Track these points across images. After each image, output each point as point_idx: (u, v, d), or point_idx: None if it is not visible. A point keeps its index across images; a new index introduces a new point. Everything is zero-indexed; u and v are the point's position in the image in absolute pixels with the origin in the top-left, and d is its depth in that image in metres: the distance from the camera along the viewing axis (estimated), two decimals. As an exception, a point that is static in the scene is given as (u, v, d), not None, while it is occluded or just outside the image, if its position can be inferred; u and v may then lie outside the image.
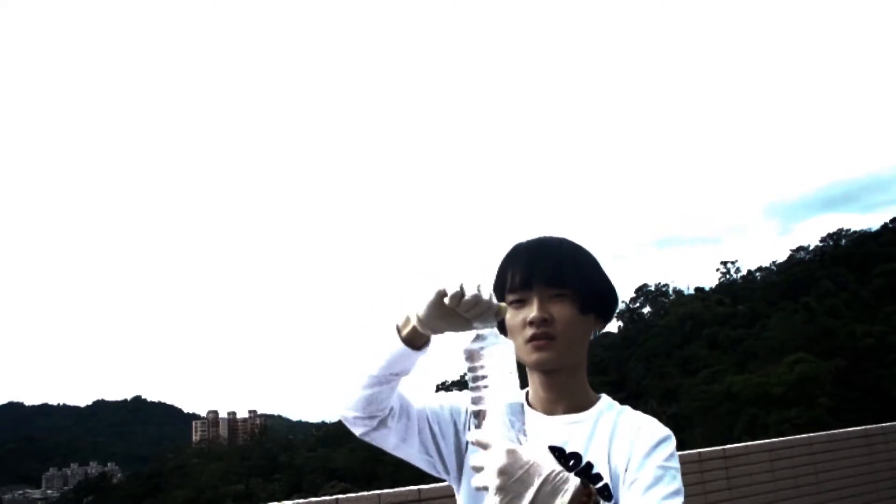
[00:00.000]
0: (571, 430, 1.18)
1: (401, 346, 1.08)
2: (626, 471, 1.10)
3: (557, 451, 1.16)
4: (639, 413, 1.20)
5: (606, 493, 1.10)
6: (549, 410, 1.21)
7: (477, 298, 0.98)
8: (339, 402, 1.16)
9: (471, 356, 0.97)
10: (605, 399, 1.24)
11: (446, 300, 0.99)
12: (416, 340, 1.08)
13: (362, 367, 1.11)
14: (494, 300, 1.00)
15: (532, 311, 1.14)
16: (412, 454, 1.23)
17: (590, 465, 1.13)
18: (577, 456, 1.15)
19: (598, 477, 1.12)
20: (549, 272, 1.15)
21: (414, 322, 1.05)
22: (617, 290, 1.26)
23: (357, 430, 1.18)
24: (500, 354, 0.96)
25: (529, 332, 1.14)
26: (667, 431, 1.15)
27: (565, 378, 1.19)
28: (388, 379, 1.11)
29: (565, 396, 1.20)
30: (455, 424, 1.24)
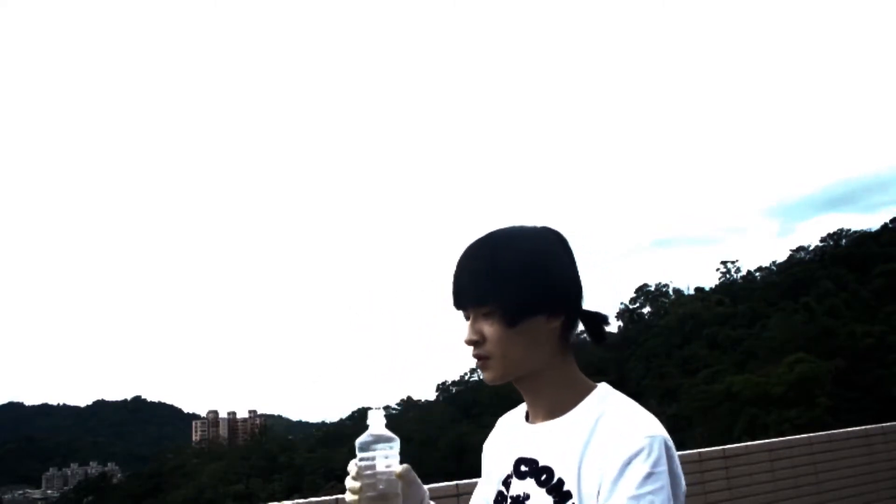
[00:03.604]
0: (543, 441, 1.10)
1: None
2: (598, 495, 0.98)
3: (532, 464, 1.10)
4: (620, 414, 1.05)
5: None
6: (532, 417, 1.17)
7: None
8: None
9: (362, 448, 1.12)
10: (593, 397, 1.10)
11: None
12: None
13: None
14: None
15: (466, 333, 1.13)
16: None
17: (561, 482, 1.03)
18: (548, 470, 1.06)
19: (568, 495, 1.01)
20: (471, 292, 1.11)
21: None
22: (565, 278, 1.12)
23: None
24: (383, 453, 1.12)
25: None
26: (641, 442, 0.97)
27: (530, 384, 1.14)
28: None
29: (540, 401, 1.14)
30: None
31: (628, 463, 0.96)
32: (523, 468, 1.12)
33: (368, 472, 1.10)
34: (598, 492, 0.98)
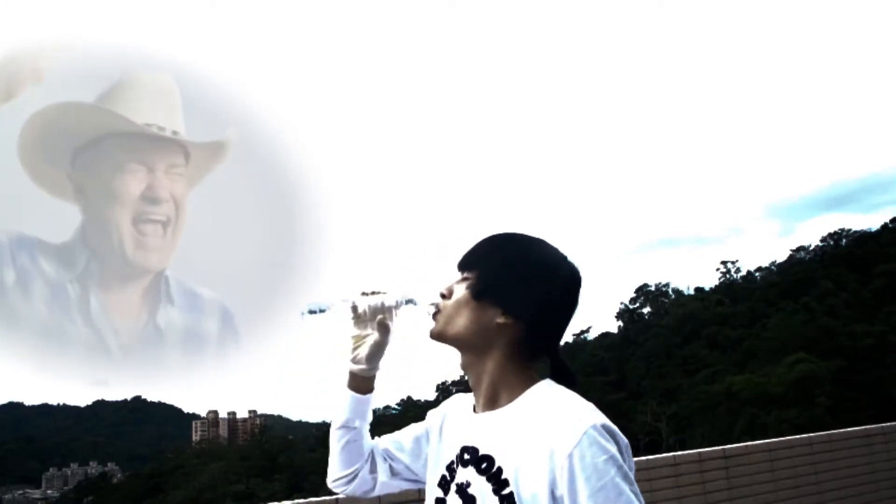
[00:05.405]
0: (485, 430, 1.16)
1: (349, 394, 1.36)
2: (551, 484, 1.01)
3: (473, 452, 1.15)
4: (556, 404, 1.09)
5: (511, 500, 1.06)
6: (476, 407, 1.22)
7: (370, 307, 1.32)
8: (329, 475, 1.39)
9: (399, 295, 1.30)
10: (531, 392, 1.15)
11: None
12: (361, 386, 1.36)
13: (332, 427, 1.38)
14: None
15: None
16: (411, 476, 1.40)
17: (500, 470, 1.09)
18: (489, 459, 1.12)
19: (507, 482, 1.07)
20: (466, 259, 1.24)
21: (354, 369, 1.35)
22: (543, 299, 1.16)
23: (356, 489, 1.38)
24: (400, 308, 1.30)
25: None
26: (577, 435, 1.00)
27: (468, 361, 1.21)
28: (349, 429, 1.36)
29: (480, 391, 1.20)
30: (425, 440, 1.38)
31: (589, 477, 0.99)
32: (466, 456, 1.17)
33: (377, 298, 1.29)
34: (552, 481, 1.01)
